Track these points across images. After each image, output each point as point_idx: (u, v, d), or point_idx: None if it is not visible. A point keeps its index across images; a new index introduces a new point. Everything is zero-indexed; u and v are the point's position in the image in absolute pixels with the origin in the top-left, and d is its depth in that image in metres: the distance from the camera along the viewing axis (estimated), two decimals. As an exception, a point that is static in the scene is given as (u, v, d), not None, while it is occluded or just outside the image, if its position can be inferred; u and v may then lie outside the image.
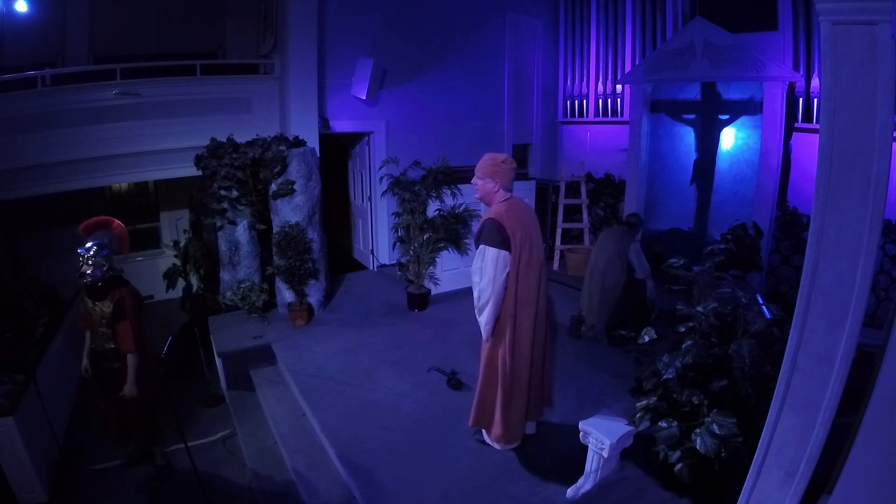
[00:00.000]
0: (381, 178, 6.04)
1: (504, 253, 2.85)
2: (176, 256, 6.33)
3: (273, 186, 5.30)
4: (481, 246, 2.91)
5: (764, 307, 2.70)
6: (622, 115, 7.32)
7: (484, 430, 3.27)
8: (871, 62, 1.54)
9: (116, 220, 3.63)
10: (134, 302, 3.37)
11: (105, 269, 3.33)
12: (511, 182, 3.00)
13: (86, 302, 3.43)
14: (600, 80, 7.62)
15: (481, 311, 2.95)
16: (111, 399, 3.45)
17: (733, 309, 2.62)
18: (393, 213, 6.19)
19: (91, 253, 3.28)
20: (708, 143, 6.35)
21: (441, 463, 3.17)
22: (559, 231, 6.87)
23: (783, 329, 2.33)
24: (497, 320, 2.97)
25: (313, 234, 5.44)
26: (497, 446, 3.22)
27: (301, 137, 5.65)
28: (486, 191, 3.01)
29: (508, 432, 3.13)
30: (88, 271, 3.28)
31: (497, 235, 2.84)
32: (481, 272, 2.90)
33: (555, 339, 4.65)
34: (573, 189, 6.94)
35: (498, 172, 2.96)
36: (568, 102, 8.13)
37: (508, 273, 2.89)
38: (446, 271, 6.04)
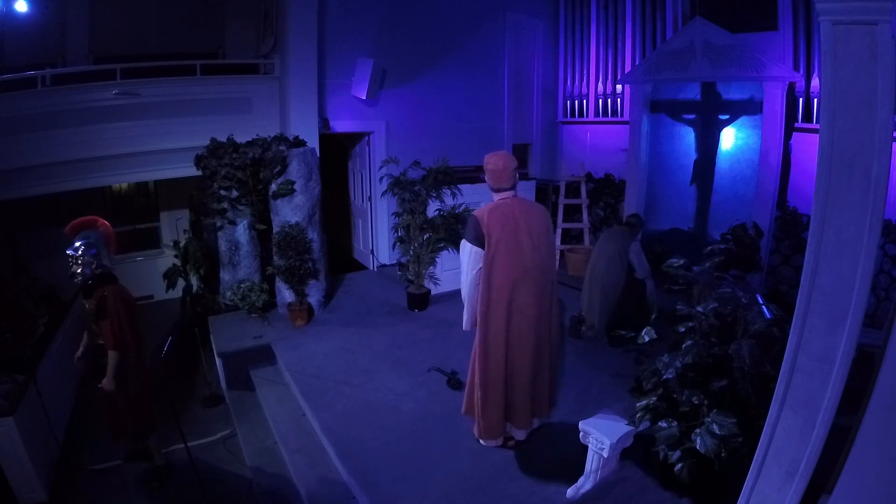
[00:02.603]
0: (381, 178, 6.04)
1: (476, 249, 2.89)
2: (176, 256, 6.31)
3: (273, 186, 5.30)
4: (462, 239, 2.99)
5: (764, 307, 2.69)
6: (622, 115, 7.32)
7: None
8: (871, 62, 1.53)
9: (101, 220, 3.65)
10: (116, 302, 3.37)
11: (93, 267, 3.38)
12: (501, 182, 2.96)
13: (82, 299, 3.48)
14: (600, 80, 7.62)
15: (464, 302, 3.04)
16: (103, 393, 3.47)
17: (733, 309, 2.62)
18: (393, 213, 6.19)
19: (80, 252, 3.34)
20: (708, 143, 6.34)
21: (441, 463, 3.17)
22: (559, 231, 6.87)
23: (783, 329, 2.32)
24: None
25: (313, 234, 5.44)
26: (480, 440, 3.25)
27: (301, 137, 5.65)
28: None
29: (481, 427, 3.17)
30: (77, 270, 3.35)
31: (472, 231, 2.90)
32: (462, 265, 3.00)
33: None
34: (573, 189, 6.94)
35: (485, 170, 3.01)
36: (568, 102, 8.13)
37: (480, 271, 2.92)
38: (446, 271, 6.03)
